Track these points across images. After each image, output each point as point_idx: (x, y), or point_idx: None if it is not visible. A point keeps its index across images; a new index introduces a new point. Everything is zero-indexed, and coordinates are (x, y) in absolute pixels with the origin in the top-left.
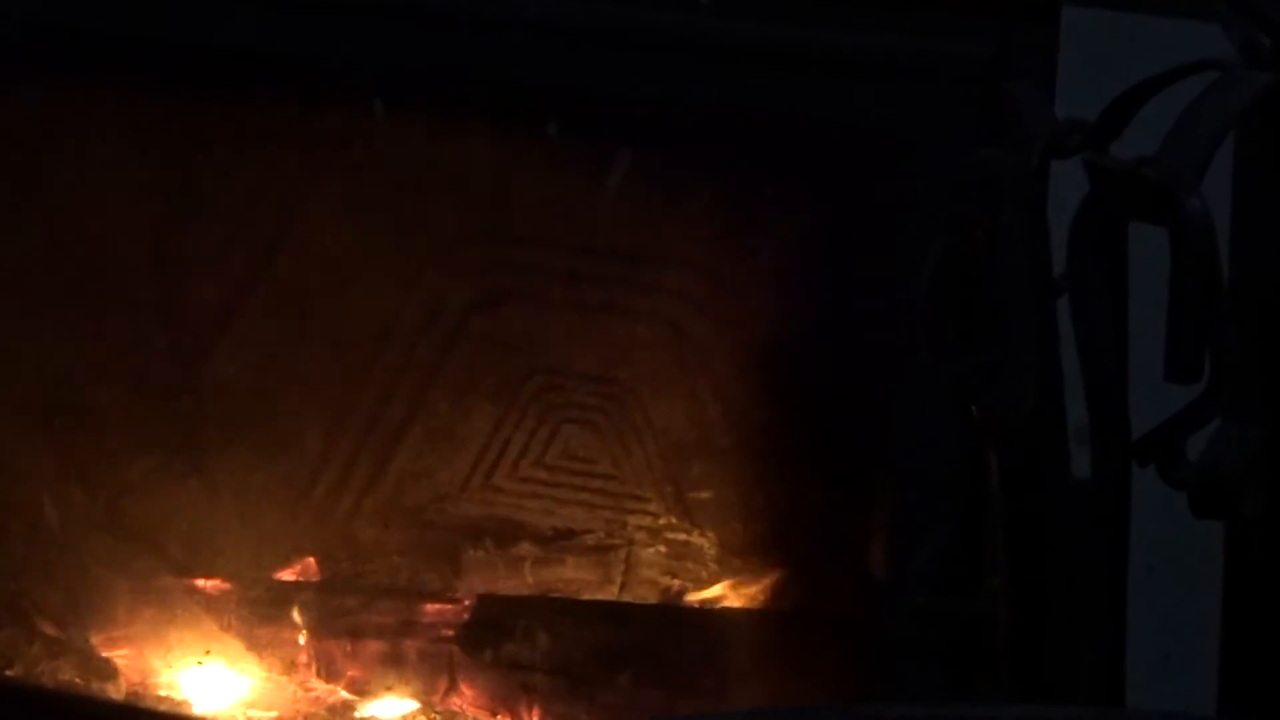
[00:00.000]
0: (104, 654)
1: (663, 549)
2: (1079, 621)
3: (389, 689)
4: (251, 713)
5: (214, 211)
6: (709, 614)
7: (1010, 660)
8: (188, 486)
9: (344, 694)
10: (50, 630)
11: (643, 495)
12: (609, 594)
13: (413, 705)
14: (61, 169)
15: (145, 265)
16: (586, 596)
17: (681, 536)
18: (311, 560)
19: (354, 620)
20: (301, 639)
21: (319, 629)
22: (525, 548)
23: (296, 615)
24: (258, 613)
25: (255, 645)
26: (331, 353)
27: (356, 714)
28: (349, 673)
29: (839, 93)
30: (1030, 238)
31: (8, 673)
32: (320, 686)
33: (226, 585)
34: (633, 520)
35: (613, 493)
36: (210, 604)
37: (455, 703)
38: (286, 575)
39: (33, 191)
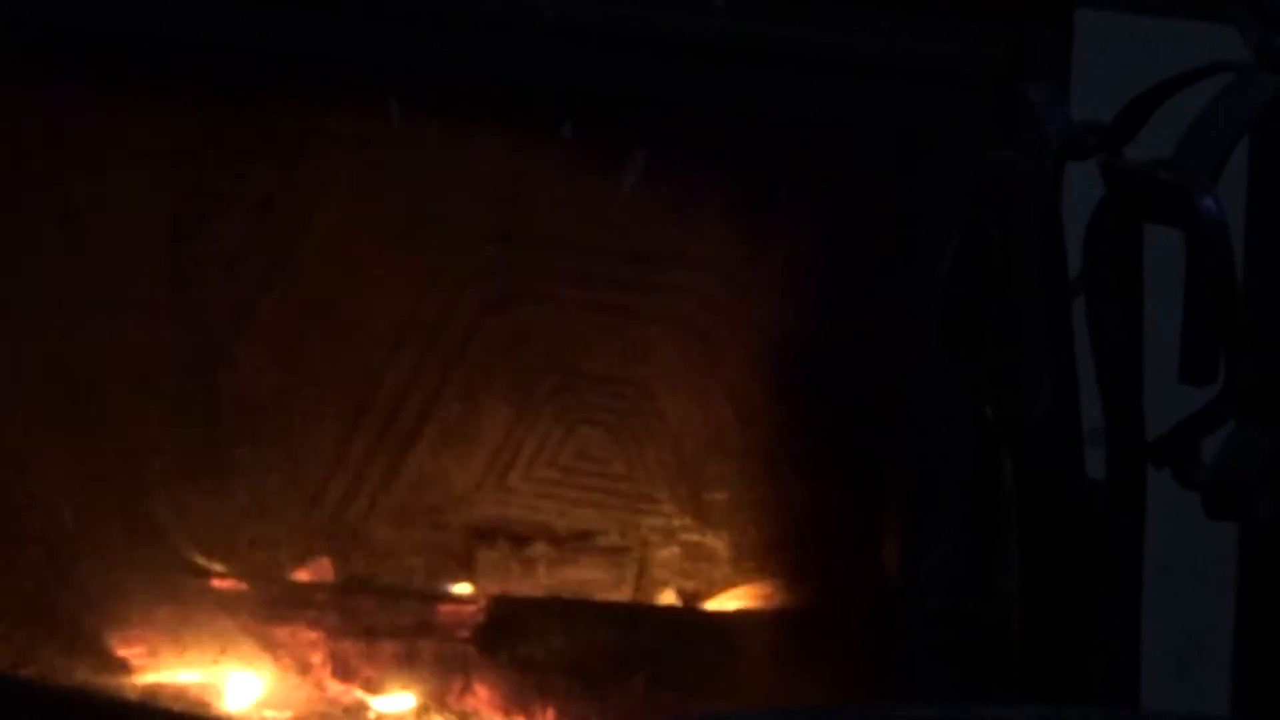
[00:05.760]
0: (119, 653)
1: (677, 550)
2: (1093, 623)
3: (404, 689)
4: (267, 712)
5: (230, 212)
6: (722, 615)
7: (1024, 661)
8: (203, 486)
9: (359, 694)
10: (65, 629)
11: (657, 496)
12: (623, 595)
13: (427, 705)
14: (77, 170)
15: (161, 266)
16: (600, 598)
17: (695, 538)
18: (326, 560)
19: (369, 620)
20: (316, 638)
21: (334, 629)
22: (539, 549)
23: (311, 615)
24: (273, 613)
25: (270, 645)
26: (346, 353)
27: (371, 714)
28: (364, 673)
29: (853, 94)
30: (1045, 240)
31: (23, 671)
32: (335, 686)
33: (242, 585)
34: (647, 521)
35: (627, 494)
36: (226, 604)
37: (469, 703)
38: (302, 575)
39: (48, 193)
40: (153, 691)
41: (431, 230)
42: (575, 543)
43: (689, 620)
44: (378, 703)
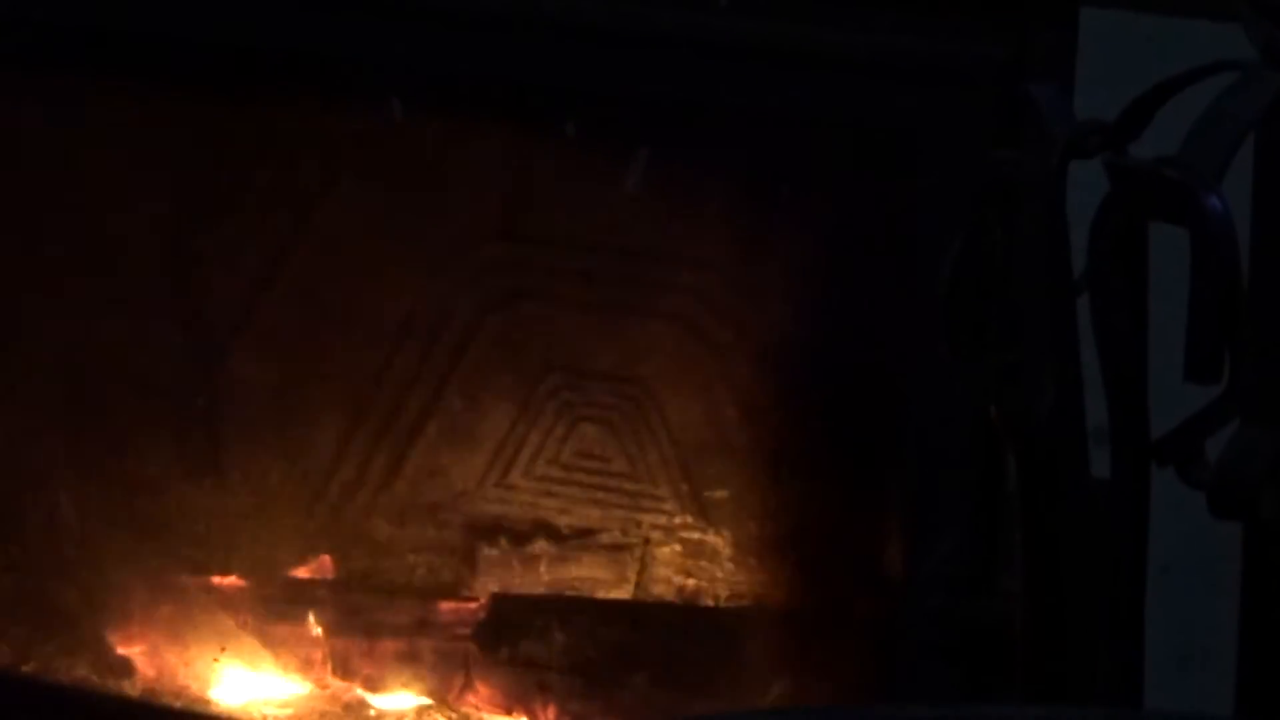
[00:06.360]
0: (120, 651)
1: (678, 548)
2: (1096, 622)
3: (404, 687)
4: (267, 710)
5: (231, 210)
6: (724, 614)
7: (1027, 661)
8: (204, 484)
9: (359, 692)
10: (66, 627)
11: (658, 494)
12: (624, 593)
13: (428, 703)
14: (79, 167)
15: (162, 263)
16: (601, 595)
17: (696, 535)
18: (327, 558)
19: (370, 618)
20: (316, 636)
21: (335, 627)
22: (541, 546)
23: (312, 613)
24: (273, 610)
25: (271, 643)
26: (348, 351)
27: (371, 712)
28: (364, 671)
29: (856, 93)
30: (1049, 239)
31: (24, 669)
32: (336, 684)
33: (242, 583)
34: (648, 519)
35: (628, 492)
36: (226, 601)
37: (470, 701)
38: (302, 573)
39: (50, 190)
40: (153, 689)
41: (432, 229)
42: (576, 540)
43: (689, 619)
44: (378, 700)
